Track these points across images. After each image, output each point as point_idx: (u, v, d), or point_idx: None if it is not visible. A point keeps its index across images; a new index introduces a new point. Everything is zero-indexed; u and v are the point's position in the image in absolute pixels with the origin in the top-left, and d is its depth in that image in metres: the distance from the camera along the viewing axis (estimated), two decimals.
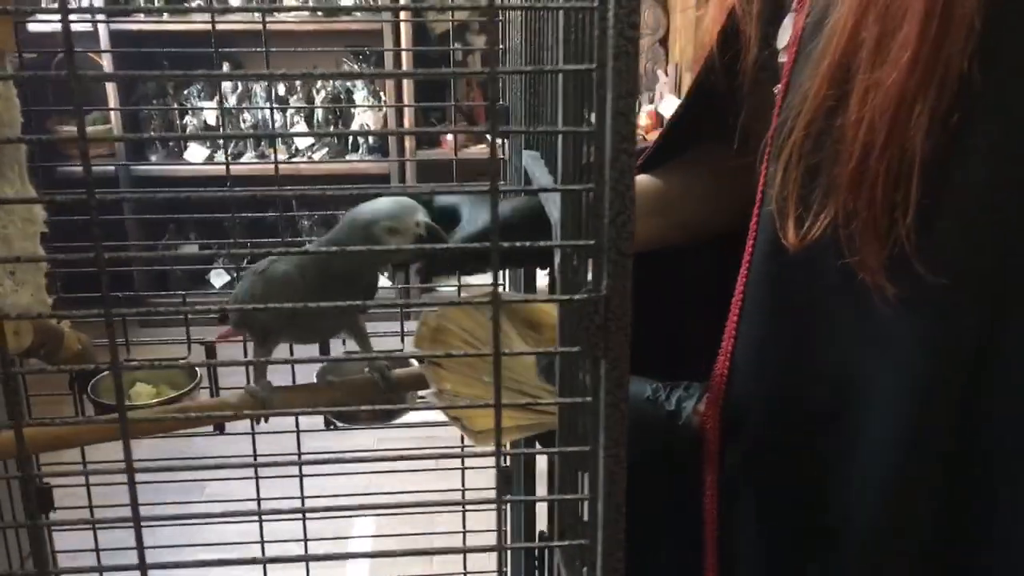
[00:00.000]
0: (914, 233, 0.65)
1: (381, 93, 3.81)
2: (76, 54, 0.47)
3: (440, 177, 3.71)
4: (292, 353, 1.22)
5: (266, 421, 1.12)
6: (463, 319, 0.96)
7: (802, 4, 0.77)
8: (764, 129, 0.81)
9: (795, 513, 0.79)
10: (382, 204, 0.89)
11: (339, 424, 1.29)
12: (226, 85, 3.69)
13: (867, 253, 0.67)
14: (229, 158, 3.49)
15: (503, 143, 1.23)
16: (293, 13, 3.45)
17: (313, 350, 1.15)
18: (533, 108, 0.92)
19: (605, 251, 0.54)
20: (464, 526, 1.38)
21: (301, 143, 3.78)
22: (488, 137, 0.51)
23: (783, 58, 0.81)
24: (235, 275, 3.94)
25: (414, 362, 1.14)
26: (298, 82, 3.80)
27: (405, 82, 3.62)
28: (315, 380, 1.13)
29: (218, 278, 3.95)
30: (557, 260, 0.74)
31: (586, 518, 0.84)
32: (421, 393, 1.14)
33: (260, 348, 0.99)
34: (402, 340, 1.32)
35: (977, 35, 0.62)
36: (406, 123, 3.53)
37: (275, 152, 3.64)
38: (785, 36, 0.82)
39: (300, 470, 1.29)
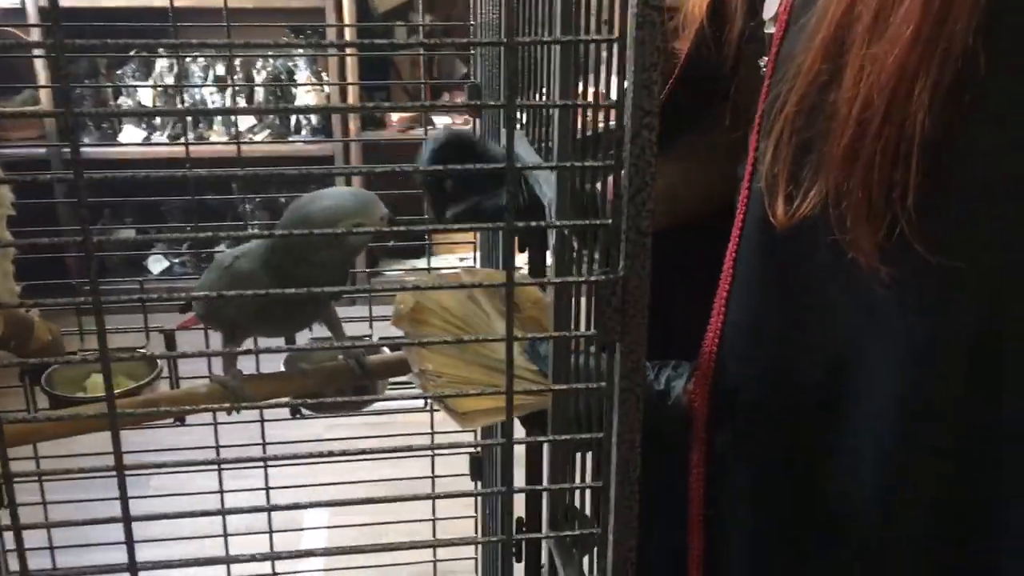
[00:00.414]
0: (915, 213, 0.64)
1: (323, 73, 3.73)
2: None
3: (385, 159, 3.66)
4: (256, 344, 1.18)
5: (238, 412, 1.08)
6: (441, 297, 0.94)
7: None
8: (751, 103, 0.79)
9: (787, 490, 0.79)
10: (342, 201, 0.88)
11: (305, 413, 1.25)
12: (162, 64, 3.57)
13: (860, 234, 0.66)
14: (166, 140, 3.39)
15: (474, 123, 1.20)
16: None
17: (281, 339, 1.11)
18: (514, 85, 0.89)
19: (624, 230, 0.52)
20: (434, 514, 1.36)
21: (242, 124, 3.68)
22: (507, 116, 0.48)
23: (770, 29, 0.80)
24: (173, 261, 3.88)
25: (385, 349, 1.12)
26: (237, 61, 3.70)
27: (348, 61, 3.55)
28: (282, 368, 1.10)
29: (156, 264, 3.85)
30: (552, 241, 0.72)
31: (580, 505, 0.82)
32: (394, 381, 1.11)
33: (228, 340, 0.96)
34: (371, 325, 1.29)
35: (982, 10, 0.61)
36: (350, 103, 3.47)
37: (236, 131, 3.54)
38: (773, 7, 0.81)
39: (265, 460, 1.25)
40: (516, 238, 1.10)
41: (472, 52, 1.17)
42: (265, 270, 0.90)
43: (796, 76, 0.70)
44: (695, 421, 0.78)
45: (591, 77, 0.63)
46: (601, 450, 0.62)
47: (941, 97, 0.62)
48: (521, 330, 0.92)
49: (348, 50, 3.34)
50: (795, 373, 0.76)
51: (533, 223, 0.49)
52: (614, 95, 0.51)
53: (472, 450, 1.33)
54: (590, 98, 0.64)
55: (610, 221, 0.52)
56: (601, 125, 0.60)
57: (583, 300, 0.72)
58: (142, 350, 1.17)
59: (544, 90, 0.79)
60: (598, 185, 0.61)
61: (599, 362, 0.78)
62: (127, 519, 0.53)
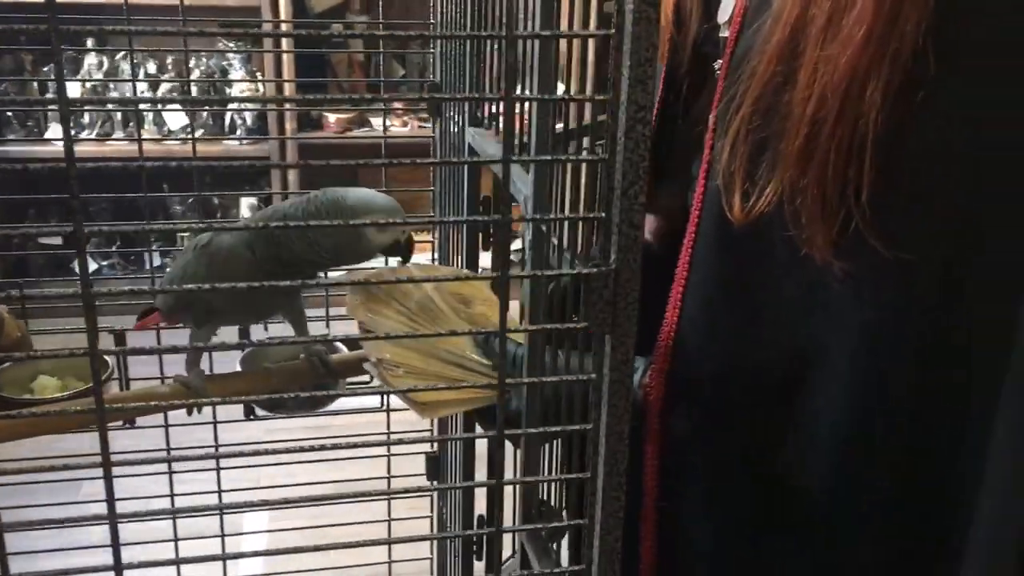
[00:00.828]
0: (868, 209, 0.66)
1: (258, 73, 3.68)
2: None
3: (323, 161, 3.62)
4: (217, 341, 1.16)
5: (199, 412, 1.06)
6: (394, 287, 0.94)
7: None
8: (705, 104, 0.81)
9: (742, 483, 0.80)
10: (375, 198, 0.88)
11: (260, 413, 1.24)
12: (91, 61, 3.48)
13: (814, 230, 0.68)
14: (95, 138, 3.30)
15: (433, 123, 1.20)
16: None
17: (234, 334, 1.09)
18: (479, 82, 0.90)
19: (616, 223, 0.53)
20: (389, 514, 1.35)
21: (174, 124, 3.61)
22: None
23: (724, 32, 0.81)
24: (102, 263, 3.78)
25: (343, 348, 1.11)
26: (169, 60, 3.63)
27: (284, 60, 3.50)
28: (238, 368, 1.08)
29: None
30: (529, 236, 0.73)
31: (549, 499, 0.83)
32: (351, 381, 1.10)
33: (198, 332, 0.94)
34: (327, 324, 1.28)
35: (931, 12, 0.63)
36: (287, 104, 3.43)
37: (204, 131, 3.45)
38: (727, 10, 0.82)
39: (218, 463, 1.23)
40: (480, 237, 1.12)
41: (431, 51, 1.17)
42: (246, 247, 0.88)
43: (751, 77, 0.71)
44: (650, 413, 0.79)
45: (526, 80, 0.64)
46: (586, 441, 0.63)
47: (893, 96, 0.64)
48: (472, 325, 0.92)
49: (285, 48, 3.31)
50: (751, 367, 0.77)
51: (530, 217, 0.50)
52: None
53: (429, 449, 1.32)
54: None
55: (603, 215, 0.53)
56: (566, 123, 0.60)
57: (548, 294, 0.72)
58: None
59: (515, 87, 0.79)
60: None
61: (568, 356, 0.79)
62: (113, 518, 0.52)
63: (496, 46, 0.82)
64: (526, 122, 0.71)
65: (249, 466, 1.30)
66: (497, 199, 1.00)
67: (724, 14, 0.83)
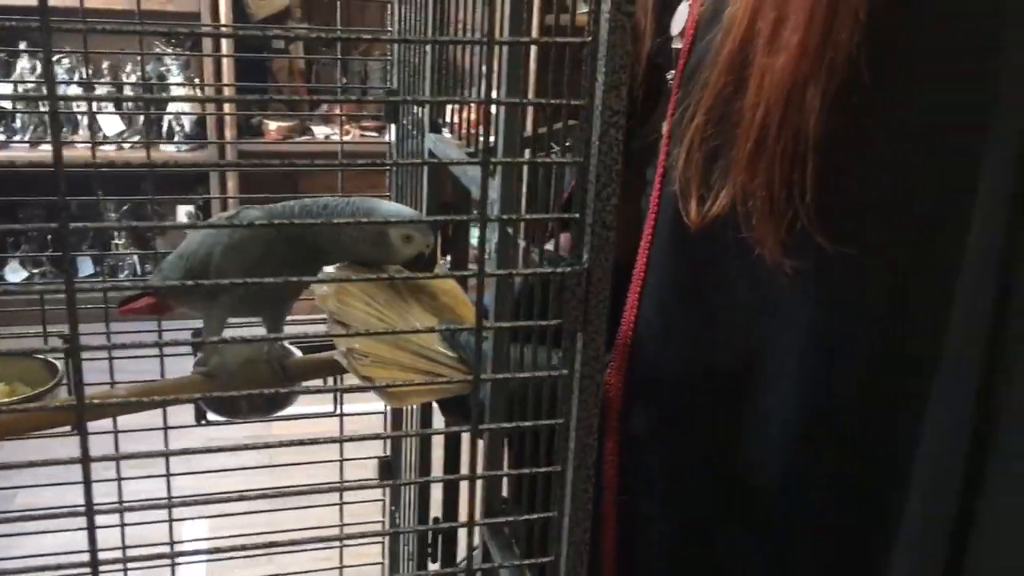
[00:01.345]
0: (813, 209, 0.69)
1: (197, 79, 3.64)
2: None
3: (262, 170, 3.58)
4: (161, 337, 1.14)
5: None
6: (363, 283, 0.95)
7: None
8: (659, 113, 0.84)
9: (700, 480, 0.82)
10: (404, 210, 0.89)
11: (210, 419, 1.23)
12: (24, 65, 3.41)
13: (764, 230, 0.71)
14: (29, 143, 3.23)
15: (387, 128, 1.21)
16: None
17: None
18: (438, 89, 0.91)
19: (589, 224, 0.55)
20: (342, 519, 1.34)
21: (109, 130, 3.55)
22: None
23: (677, 44, 0.84)
24: (33, 271, 3.69)
25: (297, 352, 1.11)
26: (105, 65, 3.56)
27: (224, 66, 3.47)
28: (191, 371, 1.07)
29: (14, 274, 3.65)
30: (495, 239, 0.74)
31: (509, 496, 0.85)
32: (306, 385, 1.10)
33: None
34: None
35: (863, 24, 0.67)
36: (226, 109, 3.39)
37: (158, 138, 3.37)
38: (680, 23, 0.85)
39: (167, 467, 1.21)
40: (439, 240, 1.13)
41: (385, 58, 1.18)
42: (275, 228, 0.89)
43: (704, 88, 0.74)
44: (609, 410, 0.81)
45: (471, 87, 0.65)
46: (540, 439, 0.64)
47: (830, 102, 0.68)
48: (437, 317, 0.94)
49: (225, 55, 3.28)
50: (705, 368, 0.80)
51: (512, 216, 0.51)
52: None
53: (381, 454, 1.33)
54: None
55: (577, 216, 0.55)
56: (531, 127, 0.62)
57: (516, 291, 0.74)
58: (40, 356, 1.12)
59: (473, 91, 0.81)
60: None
61: (536, 352, 0.81)
62: (90, 511, 0.52)
63: (457, 54, 0.83)
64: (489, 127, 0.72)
65: (197, 472, 1.28)
66: (456, 205, 1.01)
67: (677, 27, 0.86)
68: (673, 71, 0.82)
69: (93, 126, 3.52)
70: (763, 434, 0.77)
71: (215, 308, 0.95)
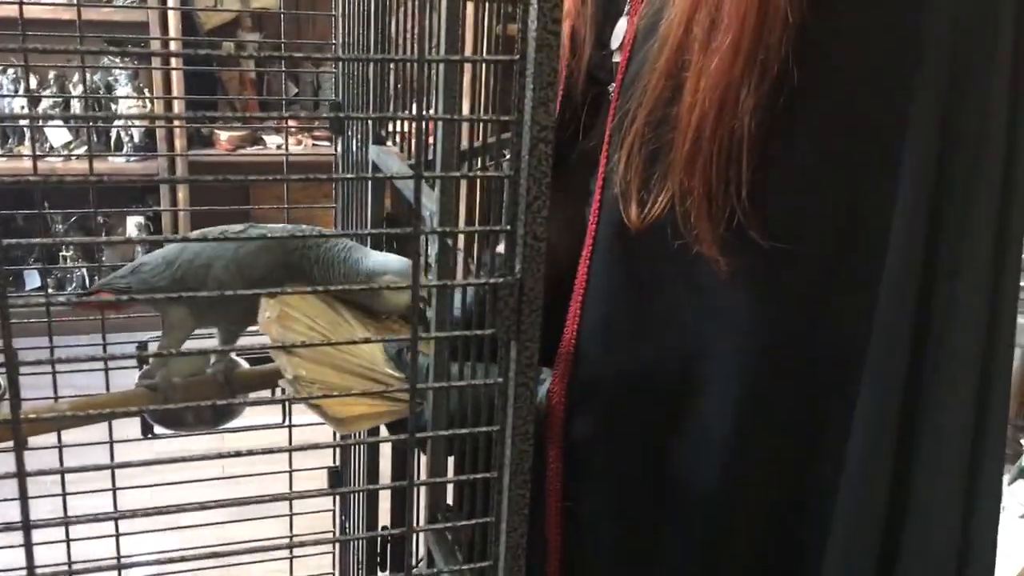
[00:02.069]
0: (748, 205, 0.72)
1: (146, 89, 3.60)
2: None
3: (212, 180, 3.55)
4: (105, 350, 1.14)
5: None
6: (304, 306, 0.95)
7: (635, 8, 0.83)
8: (600, 124, 0.86)
9: (642, 483, 0.84)
10: (391, 260, 0.91)
11: (157, 432, 1.22)
12: None
13: (702, 228, 0.74)
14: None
15: (334, 140, 1.22)
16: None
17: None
18: (381, 101, 0.93)
19: (521, 236, 0.56)
20: (291, 530, 1.35)
21: (56, 141, 3.50)
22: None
23: (617, 58, 0.87)
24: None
25: (244, 364, 1.11)
26: (51, 74, 3.52)
27: (173, 76, 3.44)
28: (136, 383, 1.07)
29: None
30: (435, 250, 0.76)
31: (454, 503, 0.86)
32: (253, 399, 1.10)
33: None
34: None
35: (793, 27, 0.70)
36: (176, 120, 3.37)
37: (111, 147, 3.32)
38: (619, 37, 0.88)
39: (113, 481, 1.20)
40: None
41: (333, 71, 1.19)
42: (278, 245, 0.91)
43: (643, 94, 0.77)
44: (552, 418, 0.83)
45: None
46: (479, 452, 0.66)
47: (763, 102, 0.71)
48: (384, 346, 0.94)
49: (173, 65, 3.25)
50: (646, 371, 0.82)
51: (447, 229, 0.53)
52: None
53: (331, 464, 1.33)
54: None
55: (508, 227, 0.56)
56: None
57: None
58: None
59: (414, 106, 0.82)
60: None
61: (475, 366, 0.82)
62: (27, 526, 0.52)
63: (400, 68, 0.84)
64: (429, 140, 0.74)
65: (144, 486, 1.28)
66: (399, 217, 1.02)
67: (616, 41, 0.89)
68: (613, 84, 0.85)
69: (38, 138, 3.47)
70: (703, 434, 0.79)
71: (183, 318, 0.95)
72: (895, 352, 0.73)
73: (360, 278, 0.90)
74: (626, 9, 0.87)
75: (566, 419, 0.83)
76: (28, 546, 0.52)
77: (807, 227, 0.74)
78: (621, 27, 0.88)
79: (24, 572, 0.53)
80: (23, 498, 0.52)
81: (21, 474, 0.51)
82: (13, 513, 0.52)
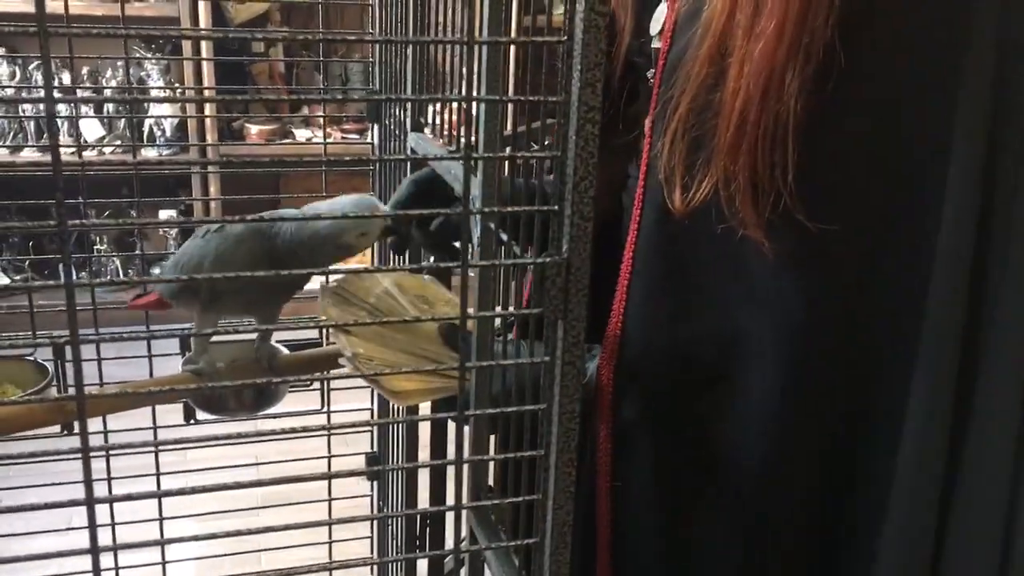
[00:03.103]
0: (795, 189, 0.72)
1: (177, 84, 3.64)
2: None
3: (244, 173, 3.59)
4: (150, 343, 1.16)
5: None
6: (363, 292, 0.97)
7: None
8: (638, 110, 0.86)
9: (688, 464, 0.85)
10: (347, 203, 0.92)
11: (199, 419, 1.24)
12: (2, 71, 3.40)
13: (747, 212, 0.74)
14: (8, 150, 3.22)
15: (370, 128, 1.23)
16: None
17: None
18: (420, 89, 0.93)
19: (568, 215, 0.57)
20: (330, 516, 1.36)
21: (90, 135, 3.54)
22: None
23: (657, 44, 0.87)
24: (14, 276, 3.68)
25: (284, 349, 1.13)
26: (85, 71, 3.56)
27: (204, 71, 3.47)
28: (180, 369, 1.09)
29: None
30: (477, 232, 0.76)
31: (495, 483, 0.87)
32: (294, 386, 1.12)
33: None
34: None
35: (838, 8, 0.70)
36: (207, 112, 3.40)
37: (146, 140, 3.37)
38: (658, 24, 0.88)
39: (157, 466, 1.23)
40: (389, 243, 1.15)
41: (368, 59, 1.20)
42: (256, 236, 0.92)
43: (687, 80, 0.77)
44: (602, 397, 0.84)
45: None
46: (539, 421, 0.66)
47: (808, 86, 0.71)
48: (436, 327, 0.96)
49: (205, 58, 3.28)
50: (690, 353, 0.83)
51: (491, 208, 0.54)
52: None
53: (368, 450, 1.35)
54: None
55: (556, 207, 0.57)
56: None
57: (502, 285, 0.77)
58: (30, 357, 1.13)
59: (455, 91, 0.83)
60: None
61: (519, 346, 0.83)
62: (90, 501, 0.54)
63: (437, 56, 0.85)
64: (461, 130, 0.75)
65: (185, 471, 1.30)
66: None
67: (656, 27, 0.89)
68: (653, 70, 0.85)
69: (77, 130, 3.51)
70: (745, 417, 0.80)
71: (207, 311, 0.97)
72: (946, 340, 0.73)
73: (328, 238, 0.92)
74: None
75: (615, 399, 0.83)
76: (91, 519, 0.54)
77: (854, 210, 0.74)
78: (661, 13, 0.88)
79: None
80: (87, 481, 0.53)
81: (85, 450, 0.53)
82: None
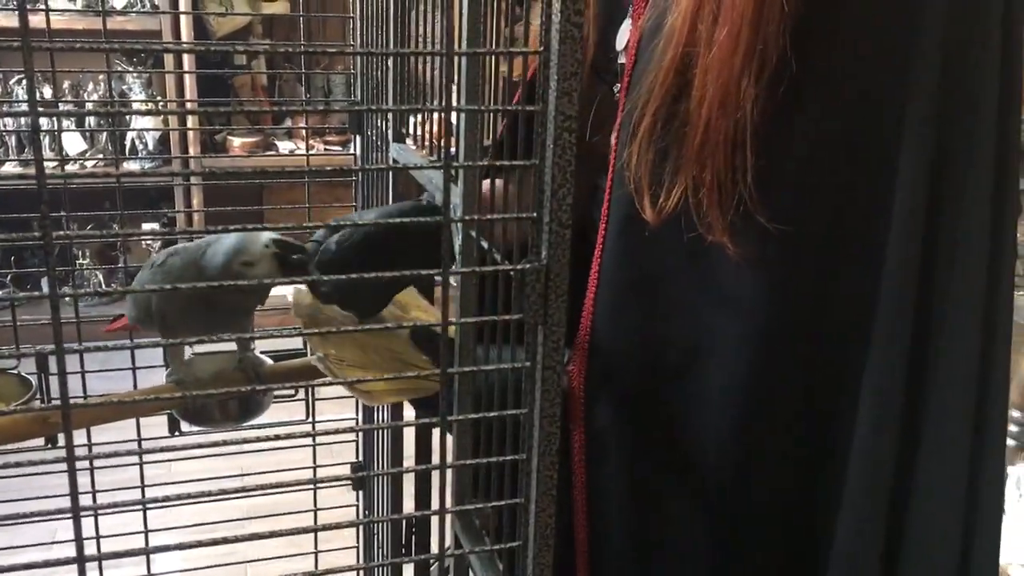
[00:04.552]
0: (755, 191, 0.74)
1: (159, 97, 3.64)
2: None
3: (227, 183, 3.59)
4: (133, 358, 1.16)
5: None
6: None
7: (638, 12, 0.85)
8: (603, 124, 0.88)
9: (658, 466, 0.86)
10: (227, 243, 0.91)
11: (182, 430, 1.25)
12: None
13: (713, 215, 0.76)
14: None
15: (353, 140, 1.24)
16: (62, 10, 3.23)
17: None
18: (401, 100, 0.94)
19: (546, 223, 0.58)
20: (315, 522, 1.36)
21: (72, 149, 3.53)
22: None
23: (622, 59, 0.88)
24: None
25: (268, 360, 1.13)
26: (66, 83, 3.55)
27: (187, 84, 3.47)
28: (164, 381, 1.09)
29: None
30: (459, 241, 0.77)
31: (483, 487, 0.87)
32: (278, 395, 1.13)
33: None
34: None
35: (790, 16, 0.72)
36: (190, 125, 3.40)
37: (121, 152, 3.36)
38: (623, 39, 0.90)
39: (141, 477, 1.23)
40: None
41: (349, 71, 1.21)
42: (191, 268, 0.92)
43: (650, 92, 0.79)
44: (574, 403, 0.85)
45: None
46: (520, 425, 0.67)
47: (764, 91, 0.73)
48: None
49: (187, 71, 3.28)
50: (657, 358, 0.84)
51: (474, 217, 0.54)
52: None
53: (353, 461, 1.35)
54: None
55: (535, 215, 0.58)
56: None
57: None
58: (13, 371, 1.13)
59: (435, 102, 0.84)
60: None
61: (500, 350, 0.84)
62: (75, 507, 0.54)
63: (418, 67, 0.86)
64: (440, 142, 0.75)
65: (168, 483, 1.30)
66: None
67: (621, 43, 0.91)
68: (619, 84, 0.87)
69: (59, 144, 3.51)
70: (711, 420, 0.81)
71: (166, 336, 0.99)
72: (897, 335, 0.75)
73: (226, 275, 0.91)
74: (630, 12, 0.89)
75: (587, 404, 0.85)
76: (76, 523, 0.54)
77: (810, 211, 0.76)
78: (625, 29, 0.90)
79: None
80: (72, 493, 0.54)
81: (71, 459, 0.53)
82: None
